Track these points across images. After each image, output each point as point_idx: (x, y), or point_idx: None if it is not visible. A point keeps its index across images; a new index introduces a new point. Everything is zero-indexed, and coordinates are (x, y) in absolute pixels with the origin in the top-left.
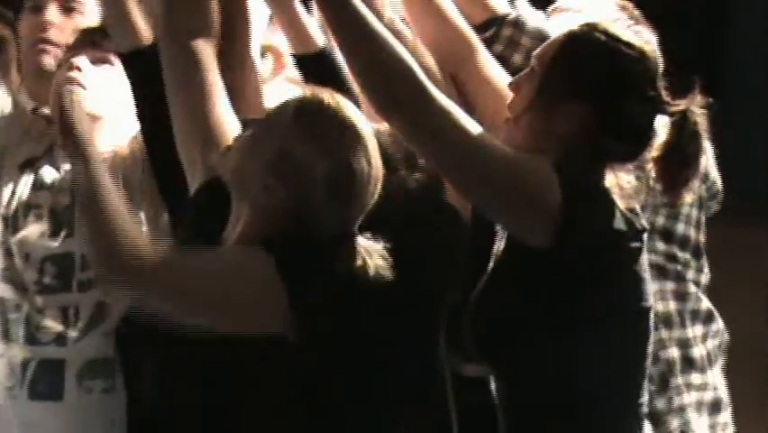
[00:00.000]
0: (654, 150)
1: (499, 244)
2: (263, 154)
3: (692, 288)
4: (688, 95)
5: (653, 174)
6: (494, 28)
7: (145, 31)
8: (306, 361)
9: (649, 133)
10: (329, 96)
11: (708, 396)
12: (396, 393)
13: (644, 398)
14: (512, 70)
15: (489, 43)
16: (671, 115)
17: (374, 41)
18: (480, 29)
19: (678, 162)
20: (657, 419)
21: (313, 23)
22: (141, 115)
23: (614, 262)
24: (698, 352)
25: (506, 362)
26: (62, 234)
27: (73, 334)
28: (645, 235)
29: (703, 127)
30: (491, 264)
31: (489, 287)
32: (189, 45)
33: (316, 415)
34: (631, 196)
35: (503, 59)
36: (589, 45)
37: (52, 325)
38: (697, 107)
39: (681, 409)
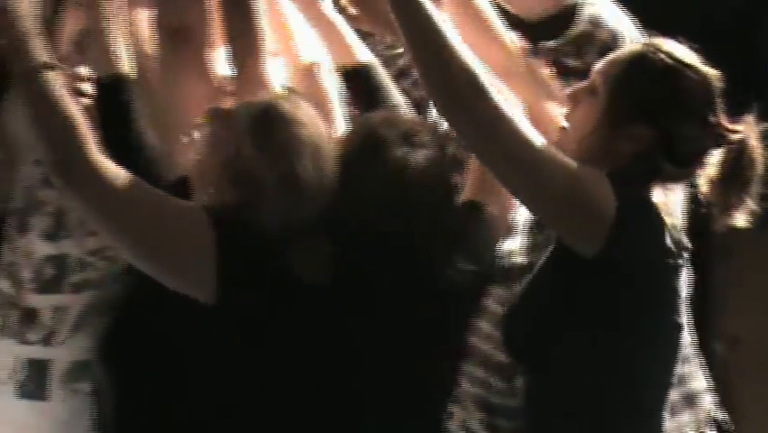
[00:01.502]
0: (712, 171)
1: (546, 249)
2: (220, 155)
3: None
4: (743, 118)
5: (707, 194)
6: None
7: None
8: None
9: (705, 156)
10: (287, 105)
11: None
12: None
13: (667, 410)
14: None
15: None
16: (730, 142)
17: (442, 43)
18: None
19: (736, 187)
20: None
21: (353, 36)
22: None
23: (657, 278)
24: None
25: (538, 366)
26: (61, 234)
27: (61, 335)
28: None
29: (759, 153)
30: (535, 268)
31: (530, 289)
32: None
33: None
34: (677, 213)
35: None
36: (656, 68)
37: (42, 325)
38: (754, 133)
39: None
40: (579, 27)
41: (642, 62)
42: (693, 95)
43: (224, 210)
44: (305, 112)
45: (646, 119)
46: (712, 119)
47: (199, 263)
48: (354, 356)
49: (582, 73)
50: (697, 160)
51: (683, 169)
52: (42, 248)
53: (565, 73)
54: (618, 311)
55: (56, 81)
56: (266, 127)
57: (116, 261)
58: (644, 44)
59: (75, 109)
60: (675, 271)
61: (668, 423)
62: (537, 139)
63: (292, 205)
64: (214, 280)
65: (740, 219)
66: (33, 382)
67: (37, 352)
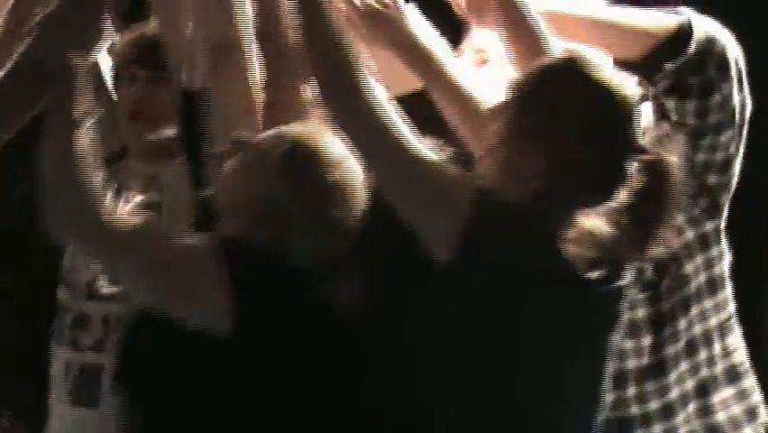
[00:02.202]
0: (625, 196)
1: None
2: (250, 192)
3: None
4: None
5: (622, 222)
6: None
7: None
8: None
9: (618, 180)
10: (317, 139)
11: None
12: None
13: None
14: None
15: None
16: (643, 162)
17: (333, 39)
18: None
19: (651, 213)
20: None
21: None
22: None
23: (532, 301)
24: None
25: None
26: None
27: (111, 341)
28: (604, 289)
29: (677, 178)
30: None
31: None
32: None
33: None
34: (602, 244)
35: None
36: (565, 81)
37: (92, 331)
38: (673, 154)
39: None
40: (695, 44)
41: (551, 75)
42: (604, 111)
43: (249, 243)
44: (335, 146)
45: (552, 136)
46: (625, 137)
47: (212, 300)
48: (380, 387)
49: (704, 89)
50: (610, 183)
51: (595, 192)
52: None
53: (686, 91)
54: (466, 331)
55: (81, 139)
56: (296, 166)
57: None
58: (560, 55)
59: (92, 166)
60: (551, 297)
61: None
62: (406, 135)
63: (323, 243)
64: (227, 314)
65: (655, 250)
66: (86, 388)
67: (89, 357)
